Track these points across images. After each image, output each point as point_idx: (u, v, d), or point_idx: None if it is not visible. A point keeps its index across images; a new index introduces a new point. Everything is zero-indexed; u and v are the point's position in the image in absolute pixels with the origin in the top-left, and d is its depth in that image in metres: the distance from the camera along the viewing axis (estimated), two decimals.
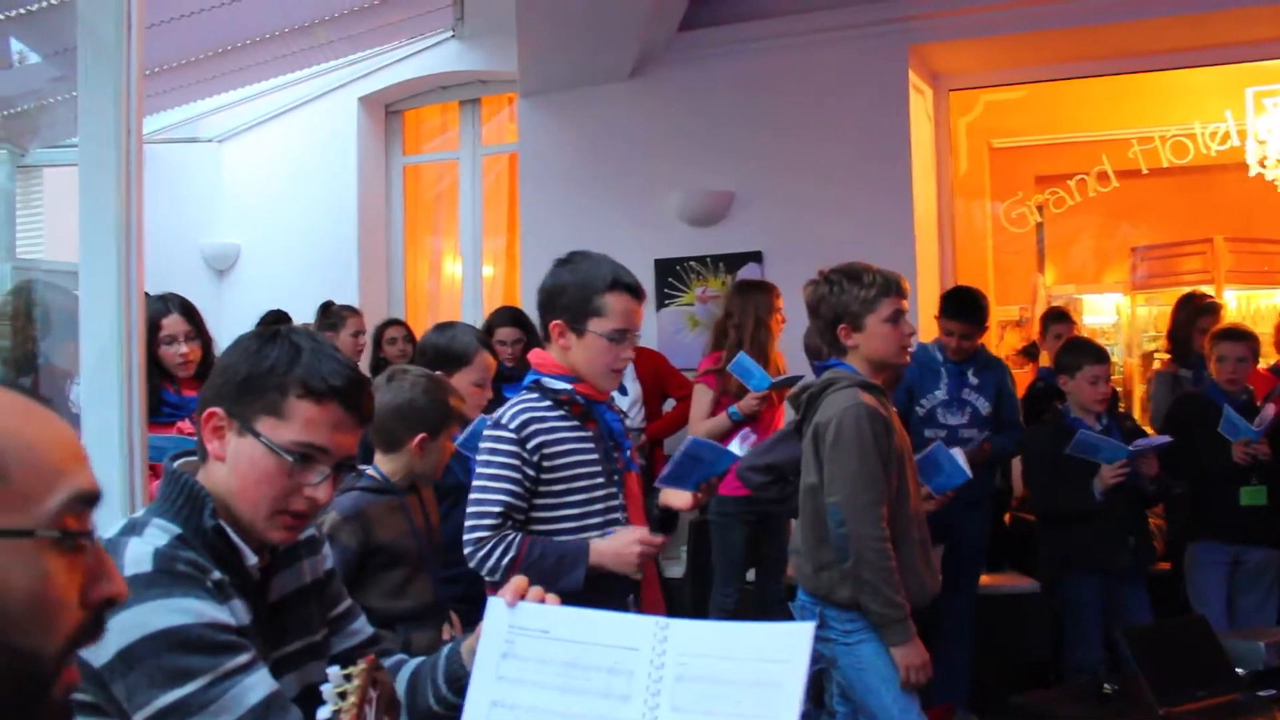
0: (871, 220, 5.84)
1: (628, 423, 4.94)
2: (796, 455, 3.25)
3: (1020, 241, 8.13)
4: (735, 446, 2.85)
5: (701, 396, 4.96)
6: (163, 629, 1.51)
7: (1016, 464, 5.78)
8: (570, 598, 1.69)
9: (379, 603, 2.80)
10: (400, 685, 1.85)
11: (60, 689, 0.88)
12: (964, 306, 4.79)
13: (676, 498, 2.78)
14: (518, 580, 1.64)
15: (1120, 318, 8.19)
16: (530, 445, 2.64)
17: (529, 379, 2.79)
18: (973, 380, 4.80)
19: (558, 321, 2.71)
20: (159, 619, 1.51)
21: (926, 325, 5.32)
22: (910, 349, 3.18)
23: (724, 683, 1.41)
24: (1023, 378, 6.16)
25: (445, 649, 1.80)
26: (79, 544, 0.88)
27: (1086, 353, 4.30)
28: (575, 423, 2.73)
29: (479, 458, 2.70)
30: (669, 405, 5.48)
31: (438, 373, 3.46)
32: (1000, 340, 7.67)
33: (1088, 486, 4.04)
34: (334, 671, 1.38)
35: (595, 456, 2.73)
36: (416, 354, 3.82)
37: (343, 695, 1.37)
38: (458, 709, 1.75)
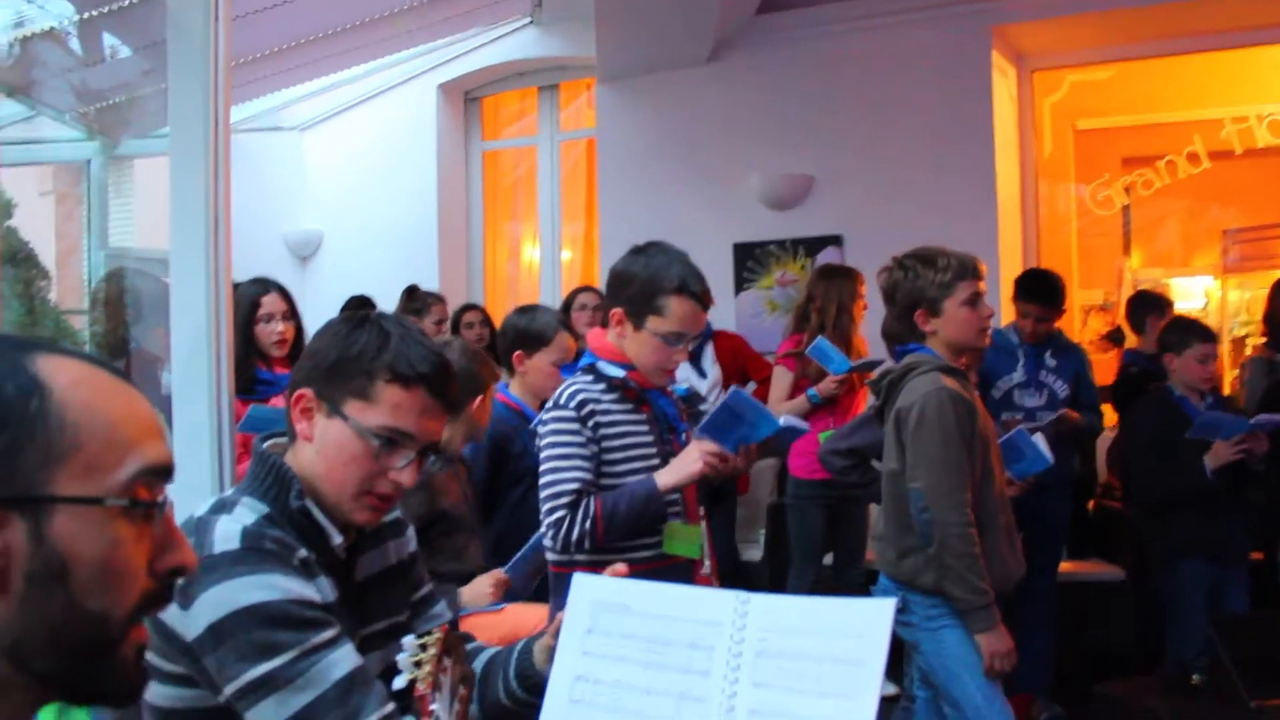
0: (953, 204, 5.76)
1: (705, 405, 4.96)
2: (878, 439, 3.22)
3: (1106, 225, 7.94)
4: (781, 420, 2.84)
5: (781, 379, 4.96)
6: (251, 605, 1.55)
7: (1101, 450, 5.68)
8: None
9: (448, 567, 2.85)
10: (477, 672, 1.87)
11: (129, 647, 0.92)
12: (1039, 288, 4.72)
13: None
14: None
15: (1210, 302, 7.98)
16: (590, 423, 2.65)
17: (584, 361, 2.81)
18: (1050, 362, 4.72)
19: (618, 309, 2.72)
20: (247, 595, 1.55)
21: (1008, 309, 5.23)
22: (989, 331, 3.15)
23: (804, 658, 1.41)
24: (1103, 364, 6.04)
25: (519, 645, 1.82)
26: (149, 514, 0.92)
27: (1194, 331, 4.21)
28: (629, 406, 2.74)
29: (543, 441, 2.71)
30: (749, 389, 5.46)
31: (517, 352, 3.55)
32: (1084, 325, 7.52)
33: (1198, 466, 3.95)
34: (409, 641, 1.40)
35: (650, 439, 2.74)
36: (499, 335, 3.89)
37: (418, 664, 1.39)
38: (527, 705, 1.77)
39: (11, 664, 0.86)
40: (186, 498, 2.61)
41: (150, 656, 1.63)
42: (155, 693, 1.65)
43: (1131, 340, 5.95)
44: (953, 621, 2.93)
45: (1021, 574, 3.10)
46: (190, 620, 1.56)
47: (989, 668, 2.87)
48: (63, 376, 0.89)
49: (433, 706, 1.35)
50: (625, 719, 1.48)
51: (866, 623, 1.40)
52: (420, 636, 1.42)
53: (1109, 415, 5.28)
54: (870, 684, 1.36)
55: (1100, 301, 7.92)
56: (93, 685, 0.91)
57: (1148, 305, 5.73)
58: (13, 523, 0.84)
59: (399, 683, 1.39)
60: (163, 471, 0.93)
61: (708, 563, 2.74)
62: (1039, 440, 3.46)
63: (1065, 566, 4.99)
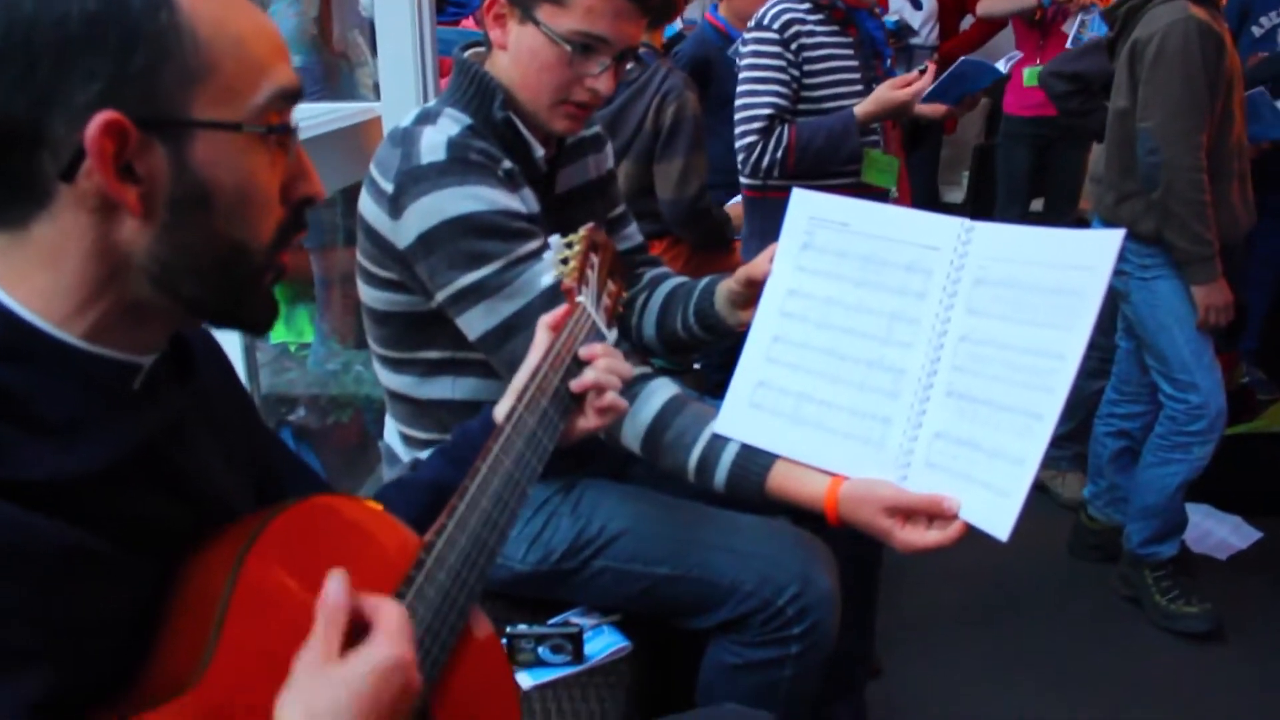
0: None
1: (917, 40, 4.71)
2: (1106, 69, 2.99)
3: None
4: (1001, 65, 2.73)
5: None
6: (459, 215, 1.56)
7: None
8: None
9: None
10: (657, 301, 1.89)
11: (270, 277, 0.92)
12: None
13: (929, 108, 2.74)
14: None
15: None
16: (793, 46, 2.59)
17: None
18: None
19: None
20: (455, 205, 1.56)
21: None
22: None
23: (1023, 288, 1.36)
24: None
25: (703, 281, 1.81)
26: (283, 141, 0.89)
27: None
28: (835, 27, 2.66)
29: (742, 62, 2.67)
30: (966, 22, 5.14)
31: None
32: None
33: None
34: (555, 239, 1.40)
35: (855, 63, 2.67)
36: None
37: (564, 261, 1.39)
38: (700, 340, 1.80)
39: (159, 290, 0.86)
40: (392, 119, 2.67)
41: (365, 262, 1.70)
42: (371, 296, 1.73)
43: None
44: (1168, 272, 2.80)
45: (1250, 227, 2.91)
46: (401, 230, 1.60)
47: (1203, 321, 2.76)
48: None
49: (579, 299, 1.36)
50: (835, 335, 1.48)
51: (1091, 254, 1.33)
52: (565, 235, 1.42)
53: None
54: (1086, 315, 1.30)
55: None
56: (236, 312, 0.92)
57: None
58: (154, 148, 0.82)
59: (546, 280, 1.39)
60: (292, 95, 0.89)
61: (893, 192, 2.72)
62: None
63: None
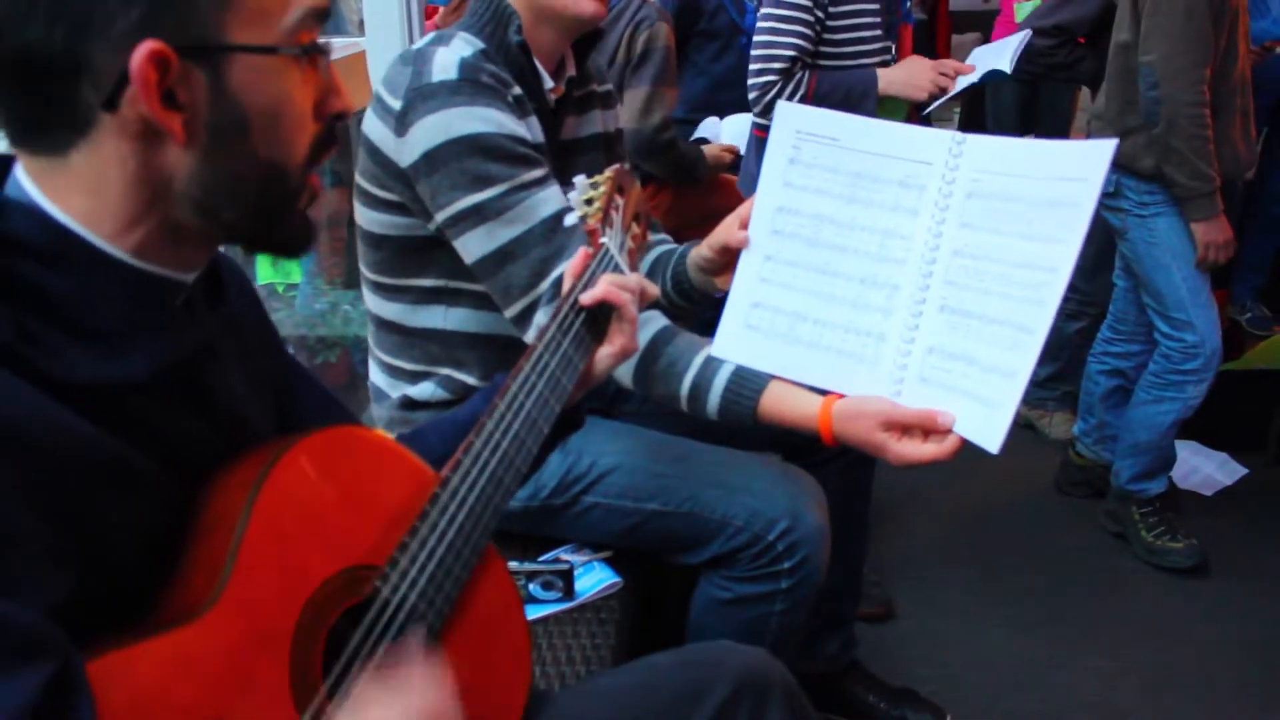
0: None
1: None
2: (1087, 14, 2.95)
3: None
4: (1006, 64, 2.69)
5: None
6: (466, 134, 1.56)
7: None
8: None
9: None
10: (643, 269, 1.86)
11: (305, 198, 0.93)
12: None
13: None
14: None
15: None
16: None
17: None
18: None
19: None
20: (462, 125, 1.56)
21: None
22: None
23: (1016, 200, 1.36)
24: None
25: (680, 249, 1.78)
26: (313, 59, 0.90)
27: None
28: None
29: None
30: None
31: None
32: None
33: None
34: (580, 180, 1.39)
35: (875, 6, 2.63)
36: None
37: (589, 202, 1.38)
38: (681, 308, 1.77)
39: (201, 216, 0.87)
40: (377, 55, 2.64)
41: (365, 184, 1.69)
42: (368, 219, 1.72)
43: None
44: (1168, 209, 2.78)
45: (1252, 165, 2.89)
46: (406, 147, 1.59)
47: (1202, 258, 2.74)
48: None
49: (603, 240, 1.35)
50: (827, 252, 1.47)
51: (1083, 165, 1.32)
52: (592, 175, 1.41)
53: None
54: (1079, 227, 1.30)
55: None
56: (274, 234, 0.94)
57: None
58: (194, 75, 0.82)
59: (570, 220, 1.39)
60: (322, 13, 0.90)
61: None
62: None
63: None
